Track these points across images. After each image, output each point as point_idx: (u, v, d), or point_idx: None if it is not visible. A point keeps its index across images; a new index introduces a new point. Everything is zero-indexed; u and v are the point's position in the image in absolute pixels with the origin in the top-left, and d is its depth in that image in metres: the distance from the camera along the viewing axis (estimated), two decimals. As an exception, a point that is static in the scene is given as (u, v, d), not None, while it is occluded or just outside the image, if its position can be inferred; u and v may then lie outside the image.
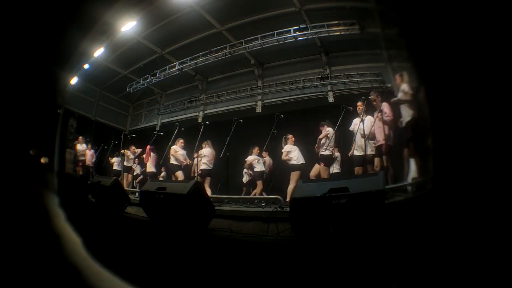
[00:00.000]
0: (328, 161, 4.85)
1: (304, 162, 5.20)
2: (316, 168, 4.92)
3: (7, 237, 1.51)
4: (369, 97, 4.50)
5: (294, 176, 5.02)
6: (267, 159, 6.07)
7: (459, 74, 1.39)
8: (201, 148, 5.98)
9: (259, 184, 5.61)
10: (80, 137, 7.23)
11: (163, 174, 7.05)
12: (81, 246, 2.05)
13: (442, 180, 1.52)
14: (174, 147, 6.07)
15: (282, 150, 5.22)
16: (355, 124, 4.65)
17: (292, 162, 5.15)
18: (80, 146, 7.21)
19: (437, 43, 1.47)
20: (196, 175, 5.75)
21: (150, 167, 6.86)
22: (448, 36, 1.41)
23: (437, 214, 1.46)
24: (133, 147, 7.44)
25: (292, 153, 5.20)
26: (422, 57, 1.61)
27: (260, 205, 4.61)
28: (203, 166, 5.83)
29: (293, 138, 5.32)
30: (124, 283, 1.76)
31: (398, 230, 2.05)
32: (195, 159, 5.86)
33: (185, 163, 6.09)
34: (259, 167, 5.71)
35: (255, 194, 5.52)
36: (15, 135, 1.87)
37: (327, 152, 4.84)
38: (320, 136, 4.98)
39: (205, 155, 5.90)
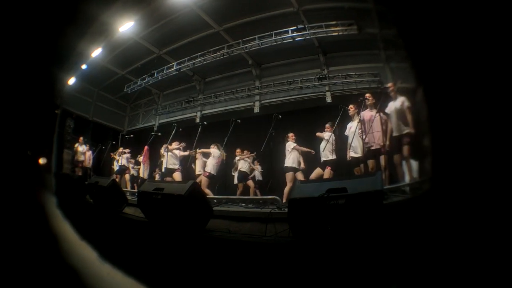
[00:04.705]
0: (335, 165, 4.81)
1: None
2: (318, 172, 4.90)
3: (4, 237, 1.50)
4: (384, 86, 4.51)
5: (289, 177, 5.04)
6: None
7: (457, 74, 1.39)
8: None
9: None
10: (81, 138, 7.21)
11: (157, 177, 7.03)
12: (79, 247, 2.04)
13: (440, 180, 1.53)
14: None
15: (287, 148, 5.20)
16: (350, 127, 4.65)
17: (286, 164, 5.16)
18: (81, 147, 7.18)
19: (436, 43, 1.47)
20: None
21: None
22: (447, 36, 1.42)
23: (436, 214, 1.46)
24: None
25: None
26: (420, 58, 1.61)
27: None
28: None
29: (294, 137, 5.29)
30: (122, 283, 1.76)
31: (396, 231, 2.05)
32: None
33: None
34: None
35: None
36: (13, 136, 1.86)
37: (333, 156, 4.81)
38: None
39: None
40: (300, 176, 4.94)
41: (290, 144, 5.18)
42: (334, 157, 4.82)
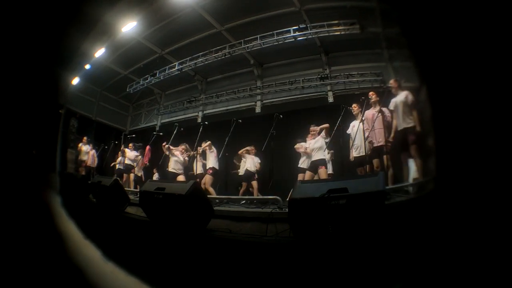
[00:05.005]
0: (326, 164, 4.81)
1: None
2: (309, 175, 4.84)
3: (10, 235, 1.51)
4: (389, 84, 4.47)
5: (299, 178, 4.93)
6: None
7: (462, 73, 1.38)
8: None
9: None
10: (85, 138, 7.24)
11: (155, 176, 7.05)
12: (83, 246, 2.06)
13: (444, 180, 1.52)
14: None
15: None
16: (353, 126, 4.61)
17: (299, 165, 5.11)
18: (85, 147, 7.22)
19: (440, 42, 1.46)
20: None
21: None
22: (451, 34, 1.41)
23: (440, 214, 1.46)
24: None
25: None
26: (424, 56, 1.60)
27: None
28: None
29: (311, 137, 5.14)
30: (125, 281, 1.77)
31: (399, 231, 2.05)
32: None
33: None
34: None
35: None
36: (19, 135, 1.88)
37: (321, 156, 4.78)
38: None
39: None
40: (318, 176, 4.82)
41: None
42: (325, 157, 4.79)
